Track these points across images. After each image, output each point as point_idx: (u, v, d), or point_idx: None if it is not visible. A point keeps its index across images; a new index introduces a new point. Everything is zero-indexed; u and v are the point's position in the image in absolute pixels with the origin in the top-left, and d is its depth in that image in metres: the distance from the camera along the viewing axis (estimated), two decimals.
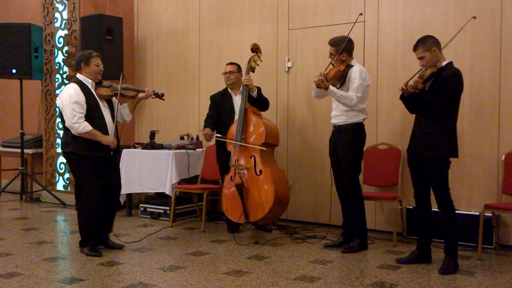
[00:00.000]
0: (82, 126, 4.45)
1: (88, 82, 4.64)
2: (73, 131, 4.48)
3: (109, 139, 4.56)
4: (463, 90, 4.26)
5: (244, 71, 5.50)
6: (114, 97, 4.79)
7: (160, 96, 4.98)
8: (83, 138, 4.50)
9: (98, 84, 4.71)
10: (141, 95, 4.85)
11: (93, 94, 4.62)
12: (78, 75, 4.66)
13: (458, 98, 4.21)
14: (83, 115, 4.49)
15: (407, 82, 4.19)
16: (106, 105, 4.72)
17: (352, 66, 4.78)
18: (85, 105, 4.52)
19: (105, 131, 4.60)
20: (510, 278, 4.04)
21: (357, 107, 4.72)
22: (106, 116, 4.66)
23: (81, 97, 4.51)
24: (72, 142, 4.54)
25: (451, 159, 4.24)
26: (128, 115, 4.91)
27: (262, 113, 5.45)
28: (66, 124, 4.52)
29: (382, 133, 5.51)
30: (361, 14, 4.91)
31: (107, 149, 4.60)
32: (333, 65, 4.75)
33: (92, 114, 4.54)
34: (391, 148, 5.42)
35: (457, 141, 4.23)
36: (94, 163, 4.58)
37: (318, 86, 4.61)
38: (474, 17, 4.17)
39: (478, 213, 4.76)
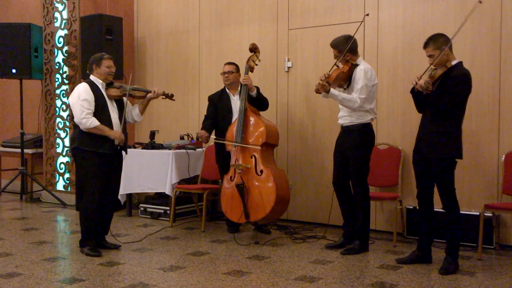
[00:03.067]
0: (90, 121, 4.55)
1: (99, 83, 4.75)
2: (81, 127, 4.59)
3: (116, 133, 4.65)
4: None
5: (242, 71, 5.50)
6: (124, 97, 4.86)
7: (170, 96, 5.01)
8: (89, 134, 4.60)
9: (109, 85, 4.80)
10: (150, 95, 4.91)
11: (102, 94, 4.72)
12: (91, 76, 4.79)
13: (465, 99, 4.16)
14: (91, 112, 4.59)
15: (421, 76, 4.07)
16: (115, 105, 4.82)
17: (357, 65, 4.71)
18: (94, 103, 4.62)
19: None
20: (510, 278, 4.04)
21: (364, 108, 4.64)
22: (113, 116, 4.74)
23: (90, 96, 4.62)
24: (78, 137, 4.65)
25: (456, 159, 4.22)
26: (138, 116, 4.97)
27: (261, 113, 5.44)
28: (75, 120, 4.63)
29: (382, 133, 5.50)
30: (367, 14, 4.90)
31: (112, 147, 4.67)
32: (337, 66, 4.70)
33: (99, 114, 4.63)
34: (391, 148, 5.41)
35: (461, 142, 4.20)
36: (99, 160, 4.63)
37: (317, 91, 4.58)
38: (480, 2, 4.04)
39: (478, 213, 4.76)
